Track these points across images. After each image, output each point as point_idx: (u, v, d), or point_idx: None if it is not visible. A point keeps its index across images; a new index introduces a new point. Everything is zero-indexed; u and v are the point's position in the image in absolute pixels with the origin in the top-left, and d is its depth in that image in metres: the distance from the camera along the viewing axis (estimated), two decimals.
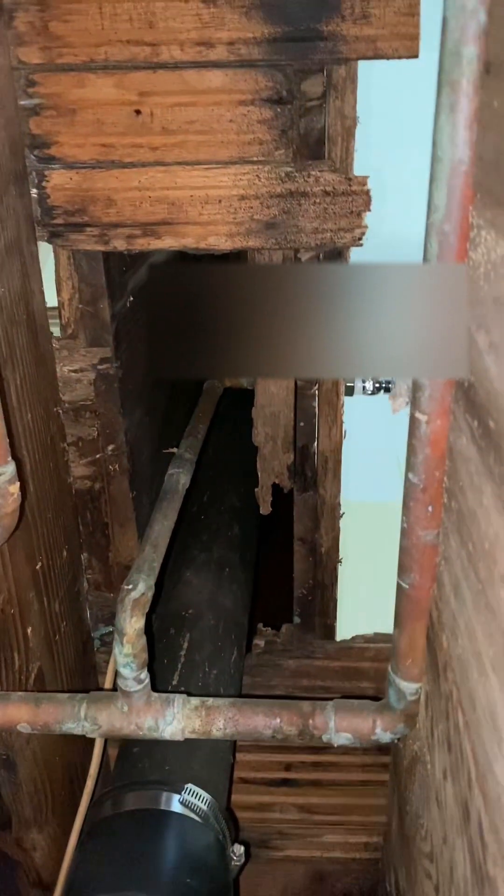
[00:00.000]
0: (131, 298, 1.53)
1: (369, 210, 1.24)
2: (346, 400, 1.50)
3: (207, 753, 1.32)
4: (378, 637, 1.65)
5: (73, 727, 1.06)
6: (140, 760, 1.28)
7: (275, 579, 1.90)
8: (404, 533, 0.92)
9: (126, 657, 1.01)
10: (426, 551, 0.92)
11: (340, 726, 1.05)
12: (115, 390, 1.44)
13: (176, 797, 1.21)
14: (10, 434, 0.97)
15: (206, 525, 1.85)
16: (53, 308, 1.36)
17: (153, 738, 1.07)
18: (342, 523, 1.55)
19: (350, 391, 1.52)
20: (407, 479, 0.90)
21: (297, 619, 1.68)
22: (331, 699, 1.08)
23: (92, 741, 1.46)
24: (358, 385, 1.51)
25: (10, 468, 0.92)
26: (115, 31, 1.15)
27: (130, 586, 1.04)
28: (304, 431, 1.53)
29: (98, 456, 1.49)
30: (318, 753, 1.76)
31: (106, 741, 1.49)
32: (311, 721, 1.05)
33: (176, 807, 1.20)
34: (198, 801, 1.21)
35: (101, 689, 1.54)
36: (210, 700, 1.08)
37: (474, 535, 0.71)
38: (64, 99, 1.19)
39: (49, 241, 1.29)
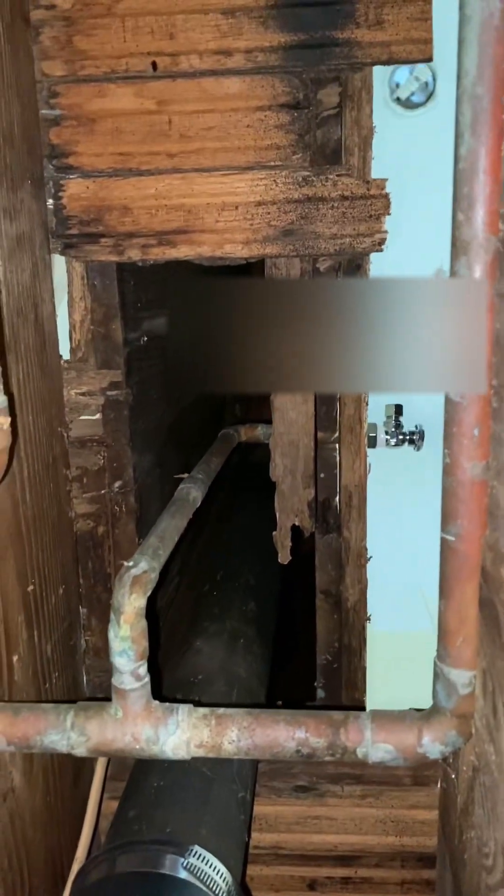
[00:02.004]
0: (145, 338, 1.49)
1: (389, 213, 1.21)
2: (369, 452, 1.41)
3: (217, 819, 1.10)
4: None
5: (58, 740, 0.88)
6: (136, 823, 1.06)
7: (294, 652, 1.72)
8: (447, 470, 0.80)
9: (123, 641, 0.86)
10: (474, 490, 0.79)
11: (378, 738, 0.87)
12: (124, 419, 1.36)
13: (180, 860, 0.99)
14: (5, 380, 0.88)
15: (219, 600, 1.70)
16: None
17: (152, 753, 0.88)
18: (370, 573, 1.40)
19: (372, 442, 1.43)
20: (447, 400, 0.79)
21: (320, 693, 1.48)
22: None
23: (80, 820, 1.24)
24: (381, 437, 1.43)
25: (2, 399, 0.82)
26: (137, 43, 1.18)
27: (131, 563, 0.91)
28: (325, 484, 1.43)
29: (103, 492, 1.38)
30: (349, 866, 1.48)
31: (97, 824, 1.26)
32: (342, 731, 0.87)
33: (180, 872, 0.98)
34: (206, 868, 0.99)
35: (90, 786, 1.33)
36: (221, 709, 0.90)
37: None
38: (84, 109, 1.21)
39: (63, 253, 1.26)
